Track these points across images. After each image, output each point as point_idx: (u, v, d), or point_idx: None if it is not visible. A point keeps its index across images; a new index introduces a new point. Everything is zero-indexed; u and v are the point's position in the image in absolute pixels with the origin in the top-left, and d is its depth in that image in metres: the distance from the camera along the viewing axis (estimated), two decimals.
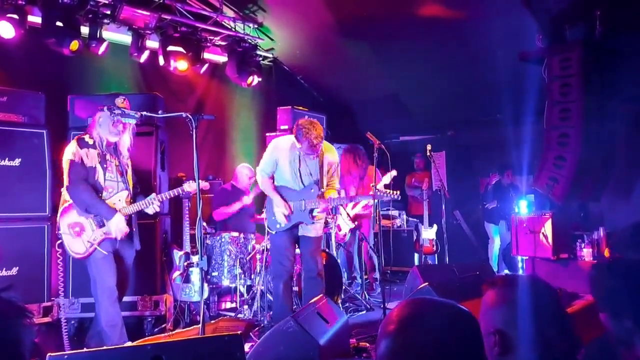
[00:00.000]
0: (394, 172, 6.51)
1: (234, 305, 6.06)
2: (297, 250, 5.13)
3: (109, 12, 6.16)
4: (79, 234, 4.18)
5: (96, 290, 4.23)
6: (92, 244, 4.18)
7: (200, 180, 4.70)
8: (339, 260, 6.39)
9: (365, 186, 6.73)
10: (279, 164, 4.86)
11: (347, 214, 6.50)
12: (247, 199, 6.43)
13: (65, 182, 4.20)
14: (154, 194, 4.46)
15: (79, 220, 4.20)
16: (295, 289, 5.60)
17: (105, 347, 4.01)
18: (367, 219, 6.94)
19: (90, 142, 4.27)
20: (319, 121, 7.50)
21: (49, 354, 2.30)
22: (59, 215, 4.24)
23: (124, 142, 4.45)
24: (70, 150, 4.23)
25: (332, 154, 4.90)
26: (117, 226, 4.22)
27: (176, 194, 4.55)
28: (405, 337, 1.29)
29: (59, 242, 4.25)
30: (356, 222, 6.59)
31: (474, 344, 1.33)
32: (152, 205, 4.42)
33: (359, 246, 6.96)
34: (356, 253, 6.97)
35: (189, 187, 4.54)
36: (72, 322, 5.04)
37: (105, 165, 4.30)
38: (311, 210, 4.72)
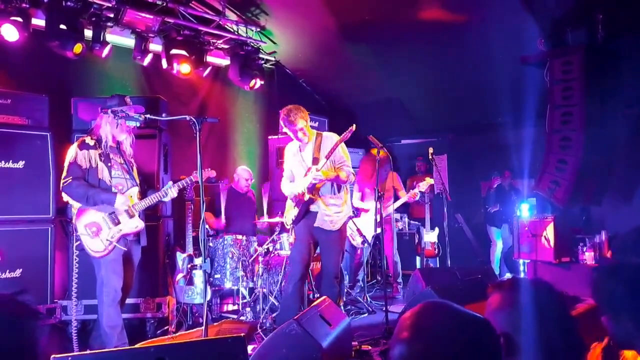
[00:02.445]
0: (430, 180, 6.53)
1: (236, 307, 6.08)
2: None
3: (112, 16, 6.20)
4: (96, 234, 4.21)
5: (101, 290, 4.25)
6: (111, 242, 4.22)
7: (207, 169, 4.84)
8: (341, 264, 6.40)
9: (388, 189, 6.77)
10: (292, 168, 4.90)
11: (358, 228, 6.48)
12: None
13: (61, 183, 4.23)
14: (170, 182, 4.51)
15: (95, 220, 4.23)
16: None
17: (108, 349, 4.02)
18: (389, 225, 6.96)
19: (92, 143, 4.29)
20: (321, 124, 7.60)
21: (53, 355, 2.31)
22: (74, 217, 4.26)
23: (123, 139, 4.48)
24: (70, 154, 4.28)
25: (330, 136, 4.82)
26: (124, 205, 4.25)
27: (187, 184, 4.60)
28: (419, 346, 1.27)
29: (77, 243, 4.28)
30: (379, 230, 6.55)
31: (492, 355, 1.32)
32: (169, 191, 4.44)
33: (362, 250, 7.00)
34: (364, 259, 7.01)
35: (197, 177, 4.67)
36: (75, 323, 5.06)
37: (109, 164, 4.33)
38: (312, 187, 4.66)
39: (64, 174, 4.23)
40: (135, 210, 4.36)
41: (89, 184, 4.21)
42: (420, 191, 6.77)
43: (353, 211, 6.43)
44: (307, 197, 4.66)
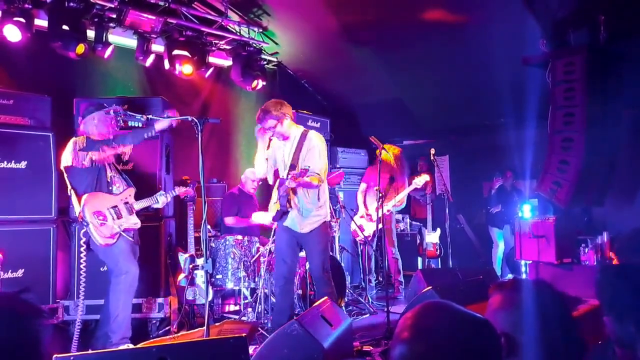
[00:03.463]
0: (426, 177, 6.56)
1: (237, 307, 6.08)
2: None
3: (114, 16, 6.19)
4: (103, 222, 4.30)
5: (117, 280, 4.32)
6: (119, 230, 4.33)
7: (180, 188, 4.98)
8: (342, 264, 6.41)
9: (394, 188, 6.81)
10: (276, 159, 4.80)
11: (355, 223, 6.50)
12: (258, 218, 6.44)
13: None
14: (162, 191, 4.78)
15: (101, 210, 4.33)
16: (299, 291, 5.63)
17: (110, 349, 4.03)
18: (390, 222, 7.02)
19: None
20: (323, 125, 7.61)
21: (55, 355, 2.32)
22: (81, 208, 4.30)
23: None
24: (69, 149, 4.35)
25: (313, 139, 4.63)
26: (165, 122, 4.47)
27: (174, 194, 4.88)
28: (420, 346, 1.27)
29: (84, 231, 4.34)
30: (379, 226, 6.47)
31: (493, 355, 1.32)
32: (160, 199, 4.67)
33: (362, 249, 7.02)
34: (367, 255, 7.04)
35: (179, 190, 4.99)
36: (79, 322, 5.06)
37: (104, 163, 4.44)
38: (283, 196, 4.60)
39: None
40: (134, 208, 4.51)
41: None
42: (417, 187, 6.77)
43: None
44: (278, 207, 4.64)
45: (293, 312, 4.87)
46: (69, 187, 4.44)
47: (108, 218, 4.32)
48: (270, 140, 4.75)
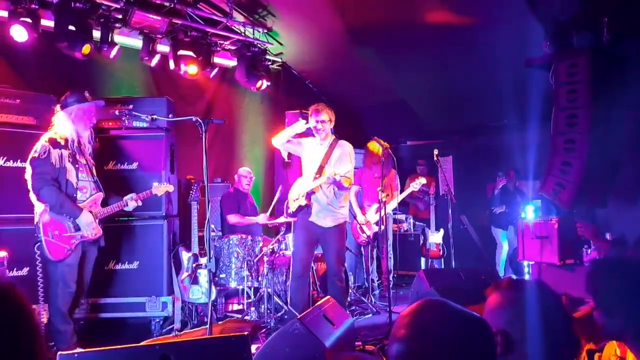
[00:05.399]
0: (423, 180, 6.55)
1: (240, 307, 6.11)
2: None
3: (120, 17, 6.23)
4: (58, 237, 4.19)
5: (57, 292, 4.25)
6: (70, 248, 4.21)
7: (165, 184, 4.83)
8: (345, 264, 6.41)
9: (386, 186, 6.77)
10: (307, 153, 5.09)
11: (359, 224, 6.50)
12: (262, 219, 6.48)
13: (33, 181, 4.18)
14: (133, 194, 4.57)
15: (60, 221, 4.24)
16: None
17: (114, 346, 4.05)
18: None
19: (62, 142, 4.30)
20: None
21: (59, 352, 2.35)
22: (38, 216, 4.25)
23: (85, 136, 4.49)
24: (41, 149, 4.24)
25: (342, 146, 5.07)
26: (88, 225, 4.23)
27: (147, 195, 4.66)
28: (416, 344, 1.29)
29: (37, 244, 4.26)
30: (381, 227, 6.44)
31: (487, 353, 1.34)
32: (130, 202, 4.52)
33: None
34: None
35: (156, 189, 4.72)
36: (81, 322, 5.09)
37: (77, 165, 4.33)
38: (307, 194, 4.91)
39: (35, 172, 4.19)
40: (97, 216, 4.38)
41: (61, 191, 4.20)
42: (414, 191, 6.74)
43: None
44: (303, 202, 4.90)
45: (309, 306, 4.96)
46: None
47: (67, 229, 4.21)
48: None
